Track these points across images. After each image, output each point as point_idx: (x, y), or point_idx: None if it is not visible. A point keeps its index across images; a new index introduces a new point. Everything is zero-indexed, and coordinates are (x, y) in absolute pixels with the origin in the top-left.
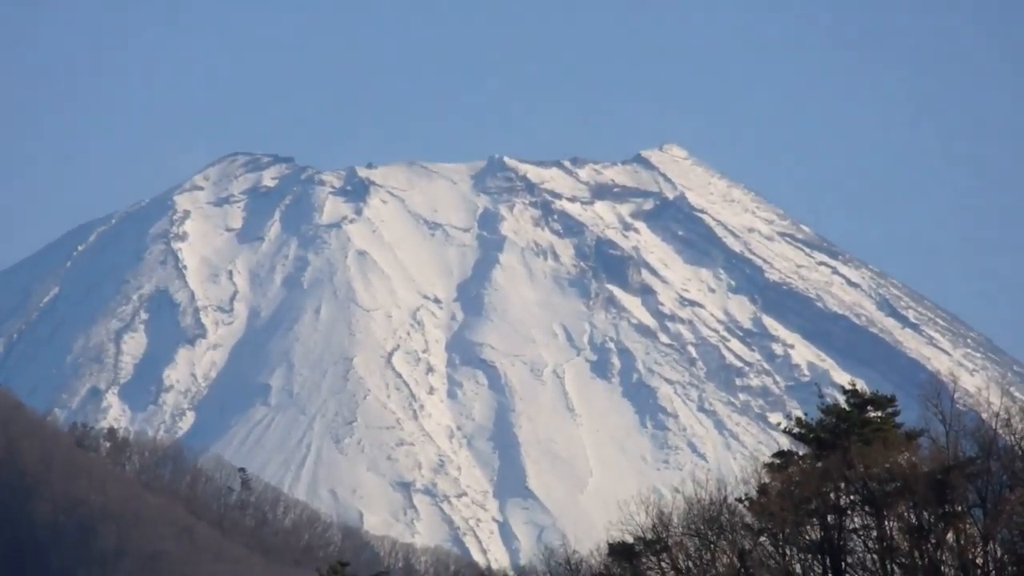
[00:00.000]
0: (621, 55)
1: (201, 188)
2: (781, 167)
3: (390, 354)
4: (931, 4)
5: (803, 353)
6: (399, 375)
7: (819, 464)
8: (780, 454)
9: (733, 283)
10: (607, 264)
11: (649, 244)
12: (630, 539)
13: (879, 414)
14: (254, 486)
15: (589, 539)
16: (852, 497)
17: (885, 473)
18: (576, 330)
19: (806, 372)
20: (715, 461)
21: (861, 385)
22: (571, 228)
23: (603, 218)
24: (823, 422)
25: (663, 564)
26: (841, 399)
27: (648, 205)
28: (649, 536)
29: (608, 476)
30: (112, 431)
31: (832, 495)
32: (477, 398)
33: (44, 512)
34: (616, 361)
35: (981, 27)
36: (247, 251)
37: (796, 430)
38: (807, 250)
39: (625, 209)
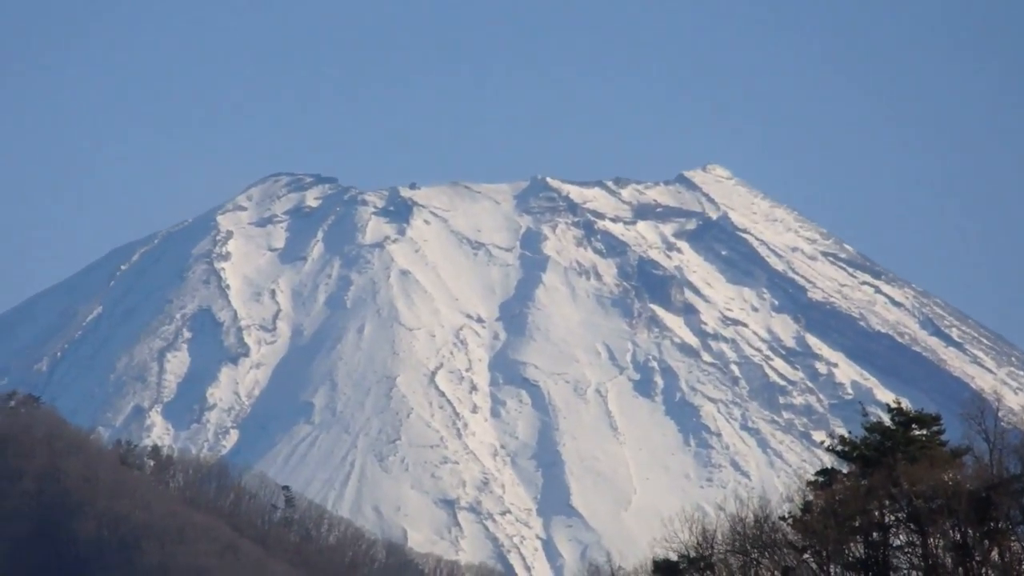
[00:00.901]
0: (664, 75)
1: (244, 208)
2: (824, 187)
3: (433, 373)
4: (988, 24)
5: (846, 372)
6: (442, 394)
7: (863, 482)
8: (824, 472)
9: (776, 302)
10: (650, 284)
11: (692, 264)
12: (674, 556)
13: (924, 432)
14: (298, 503)
15: (633, 557)
16: (896, 515)
17: (929, 491)
18: (619, 349)
19: (849, 391)
20: (758, 479)
21: (905, 404)
22: (614, 248)
23: (646, 238)
24: (867, 440)
25: None
26: (885, 418)
27: (691, 225)
28: (693, 554)
29: (651, 494)
30: (156, 449)
31: (876, 513)
32: (520, 416)
33: (88, 529)
34: (659, 380)
35: None
36: (290, 271)
37: (840, 448)
38: (850, 269)
39: (668, 229)
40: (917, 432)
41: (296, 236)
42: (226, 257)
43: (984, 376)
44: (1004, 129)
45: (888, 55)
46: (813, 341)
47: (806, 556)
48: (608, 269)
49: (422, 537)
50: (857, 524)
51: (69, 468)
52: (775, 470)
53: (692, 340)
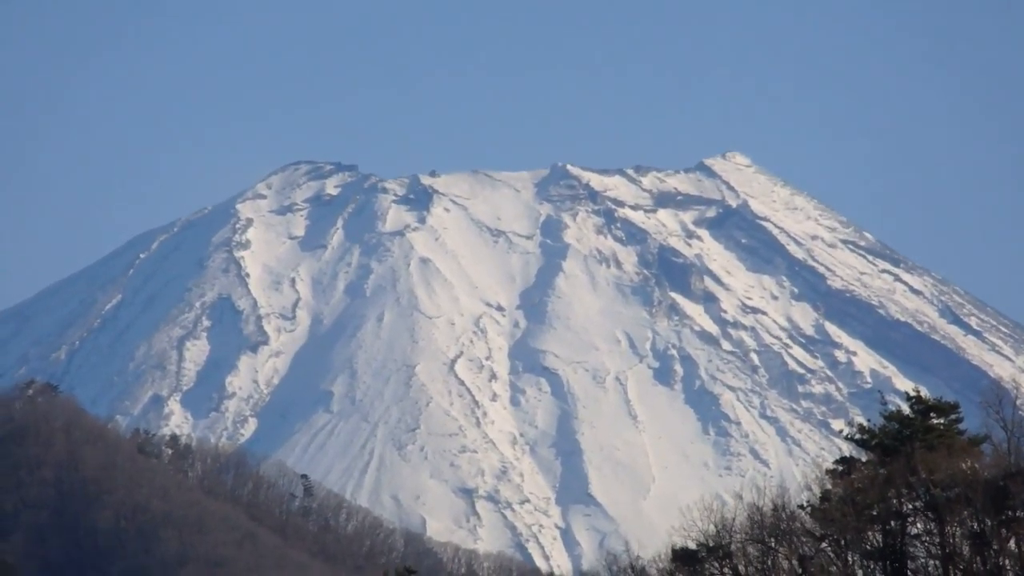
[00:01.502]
0: (684, 63)
1: (264, 196)
2: (844, 175)
3: (453, 361)
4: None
5: (865, 360)
6: (462, 382)
7: (882, 470)
8: (843, 460)
9: (796, 290)
10: (670, 272)
11: (712, 252)
12: (693, 545)
13: (942, 421)
14: (316, 492)
15: (651, 545)
16: (914, 503)
17: (947, 479)
18: (639, 337)
19: (868, 379)
20: (777, 468)
21: (924, 392)
22: (634, 236)
23: (666, 226)
24: (886, 428)
25: (725, 570)
26: (904, 406)
27: (711, 213)
28: (712, 542)
29: (670, 483)
30: (174, 438)
31: (894, 501)
32: (540, 405)
33: (107, 518)
34: (679, 368)
35: None
36: (310, 259)
37: (859, 436)
38: (869, 257)
39: (688, 217)
40: (935, 420)
41: (316, 224)
42: (246, 245)
43: (1003, 364)
44: (1015, 113)
45: (907, 41)
46: (832, 329)
47: (824, 545)
48: (628, 257)
49: (441, 526)
50: (875, 513)
51: (88, 457)
52: (794, 459)
53: (712, 328)
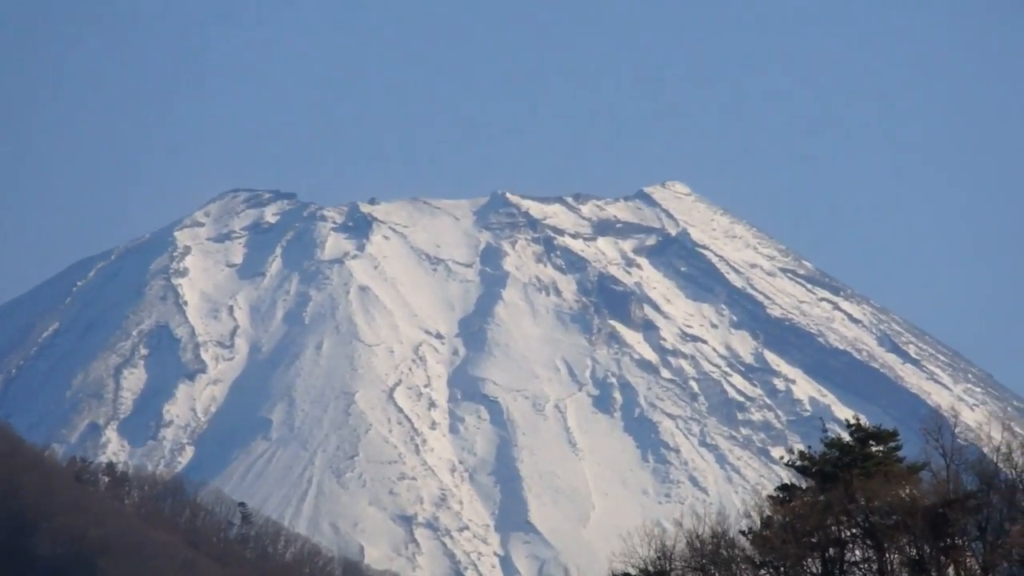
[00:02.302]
0: (624, 91)
1: (202, 224)
2: (783, 203)
3: (392, 389)
4: (942, 41)
5: (805, 388)
6: (401, 410)
7: (821, 497)
8: (784, 487)
9: (735, 318)
10: (609, 300)
11: (651, 280)
12: (633, 571)
13: (881, 448)
14: (255, 520)
15: (591, 572)
16: (853, 530)
17: (886, 506)
18: (578, 365)
19: (808, 407)
20: (716, 495)
21: (863, 420)
22: (573, 264)
23: (605, 254)
24: (826, 455)
25: None
26: (843, 434)
27: (651, 241)
28: (651, 569)
29: (610, 510)
30: (111, 466)
31: (834, 528)
32: (479, 432)
33: (44, 546)
34: (618, 396)
35: (992, 63)
36: (248, 287)
37: (799, 463)
38: (809, 286)
39: (628, 245)
40: (875, 448)
41: (254, 252)
42: (184, 273)
43: (941, 393)
44: (959, 143)
45: (841, 68)
46: (771, 357)
47: (763, 572)
48: (568, 285)
49: (379, 553)
50: (815, 540)
51: (25, 485)
52: (733, 486)
53: (651, 356)
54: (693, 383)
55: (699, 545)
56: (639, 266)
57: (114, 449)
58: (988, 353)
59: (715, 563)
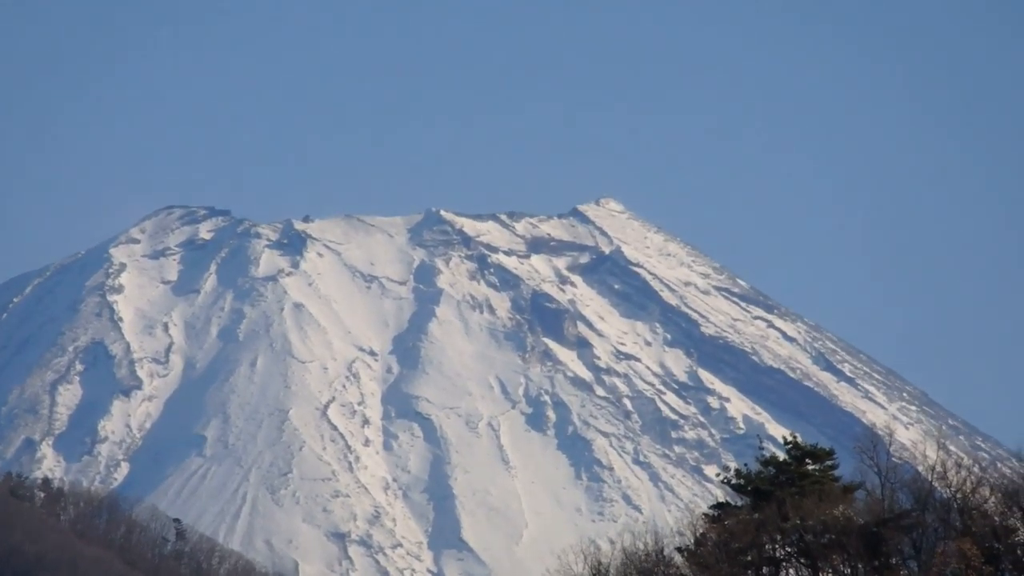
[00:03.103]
0: (558, 109)
1: (137, 241)
2: (717, 221)
3: (326, 406)
4: (872, 49)
5: (739, 406)
6: (335, 427)
7: (756, 515)
8: (718, 505)
9: (669, 336)
10: (543, 317)
11: (585, 297)
12: None
13: (817, 467)
14: (189, 536)
15: None
16: (788, 549)
17: (820, 525)
18: (512, 383)
19: (741, 425)
20: (650, 513)
21: (799, 438)
22: (507, 281)
23: (539, 271)
24: (762, 473)
25: None
26: (778, 452)
27: (584, 259)
28: None
29: (543, 527)
30: (47, 481)
31: (768, 547)
32: (412, 450)
33: None
34: (551, 414)
35: (916, 71)
36: (183, 304)
37: (735, 481)
38: (743, 304)
39: (561, 263)
40: (811, 466)
41: (189, 269)
42: (119, 290)
43: (876, 411)
44: (893, 161)
45: (774, 86)
46: (705, 375)
47: None
48: (501, 303)
49: (313, 570)
50: (749, 558)
51: None
52: (666, 504)
53: (585, 374)
54: (627, 401)
55: (635, 562)
56: (573, 284)
57: (50, 465)
58: (923, 371)
59: None
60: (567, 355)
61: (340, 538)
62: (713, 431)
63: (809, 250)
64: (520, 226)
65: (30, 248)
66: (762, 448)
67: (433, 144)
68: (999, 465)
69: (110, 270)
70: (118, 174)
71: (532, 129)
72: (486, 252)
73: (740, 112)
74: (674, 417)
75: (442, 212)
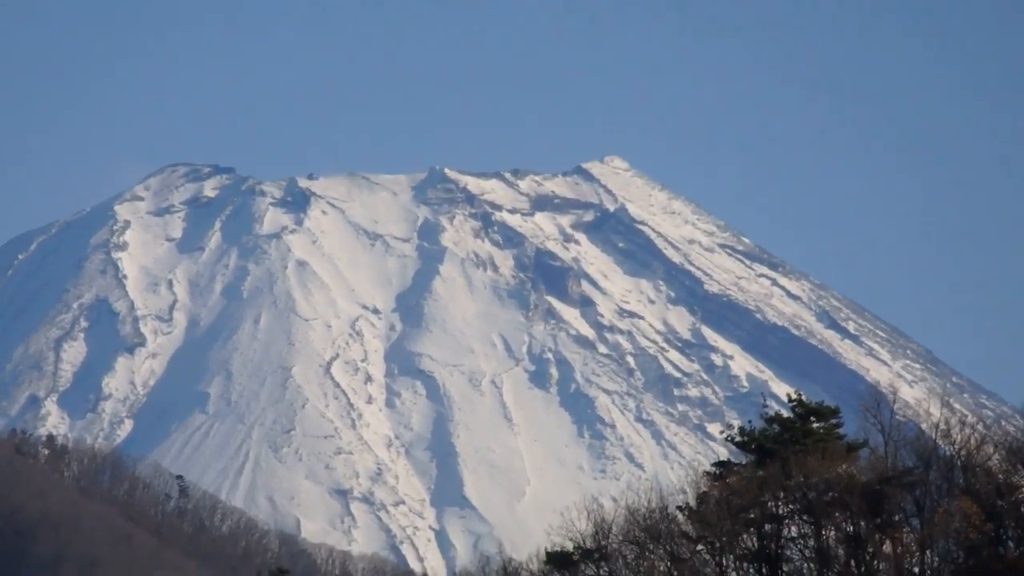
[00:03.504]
0: (562, 67)
1: (141, 198)
2: (722, 179)
3: (329, 363)
4: (884, 18)
5: (742, 364)
6: (337, 384)
7: (760, 473)
8: (720, 464)
9: (673, 294)
10: (547, 275)
11: (589, 255)
12: (570, 545)
13: (822, 425)
14: (192, 493)
15: (526, 547)
16: (790, 506)
17: (823, 483)
18: (515, 340)
19: (745, 383)
20: (652, 471)
21: (803, 396)
22: (511, 239)
23: (543, 229)
24: (766, 431)
25: (601, 572)
26: (782, 410)
27: (588, 217)
28: (589, 543)
29: (545, 485)
30: (51, 438)
31: (771, 504)
32: (415, 408)
33: None
34: (554, 371)
35: (913, 33)
36: (187, 261)
37: (739, 439)
38: (747, 262)
39: (565, 221)
40: (815, 424)
41: (193, 226)
42: (123, 247)
43: (879, 369)
44: (898, 117)
45: (779, 43)
46: (709, 333)
47: (699, 547)
48: (505, 261)
49: (315, 527)
50: (751, 516)
51: None
52: (669, 462)
53: (588, 332)
54: (630, 359)
55: (638, 520)
56: (577, 242)
57: (54, 422)
58: (927, 329)
59: (653, 538)
60: (570, 313)
61: (343, 495)
62: (716, 389)
63: (814, 208)
64: (524, 184)
65: (35, 206)
66: (766, 406)
67: (438, 102)
68: (1003, 423)
69: (115, 227)
70: (123, 132)
71: (537, 87)
72: (490, 210)
73: (746, 71)
74: (677, 375)
75: (446, 170)
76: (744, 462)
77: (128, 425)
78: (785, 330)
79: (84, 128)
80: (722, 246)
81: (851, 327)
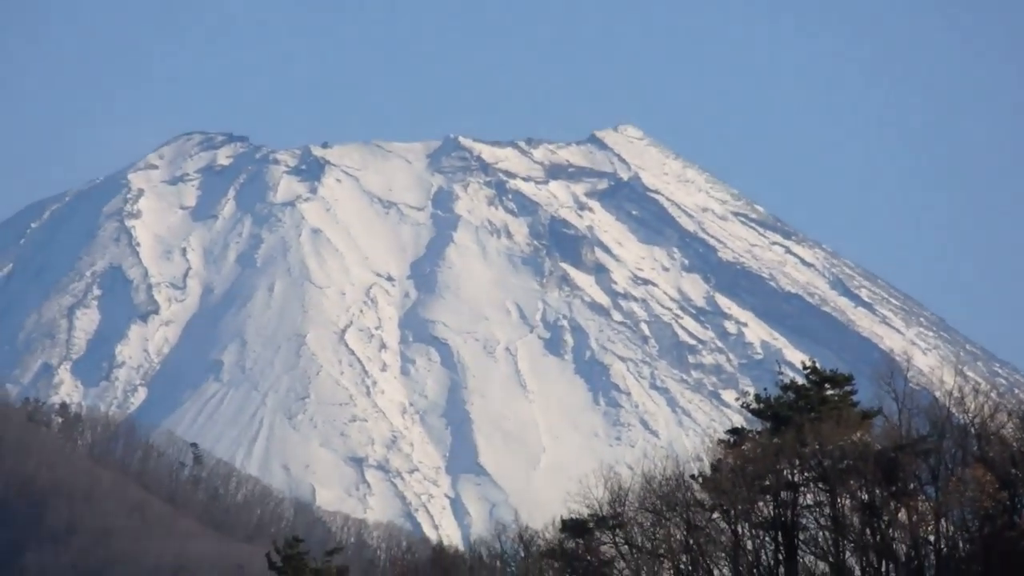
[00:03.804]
0: (577, 36)
1: (155, 167)
2: (735, 147)
3: (343, 331)
4: None
5: (756, 331)
6: (352, 352)
7: (775, 440)
8: (734, 431)
9: (687, 262)
10: (561, 243)
11: (603, 223)
12: (586, 512)
13: (837, 392)
14: (206, 461)
15: (541, 515)
16: (806, 474)
17: (838, 451)
18: (529, 308)
19: (759, 350)
20: (667, 438)
21: (818, 363)
22: (525, 207)
23: (557, 197)
24: (782, 399)
25: (617, 539)
26: (796, 378)
27: (602, 185)
28: (605, 510)
29: (560, 453)
30: (64, 406)
31: (786, 472)
32: (430, 375)
33: None
34: (569, 339)
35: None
36: (201, 229)
37: (754, 406)
38: (761, 230)
39: (580, 189)
40: (830, 392)
41: (207, 194)
42: (137, 215)
43: (893, 336)
44: (911, 86)
45: (795, 15)
46: (723, 301)
47: (715, 515)
48: (519, 228)
49: (330, 495)
50: (767, 483)
51: None
52: (684, 429)
53: (602, 299)
54: (644, 326)
55: (655, 487)
56: (591, 209)
57: (67, 390)
58: (941, 297)
59: (670, 505)
60: (585, 280)
61: (357, 463)
62: (731, 356)
63: (828, 176)
64: (538, 152)
65: (48, 175)
66: (781, 374)
67: (452, 70)
68: (1016, 391)
69: (128, 196)
70: (137, 101)
71: (552, 55)
72: (504, 178)
73: (760, 39)
74: (691, 342)
75: (460, 139)
76: (759, 429)
77: (142, 393)
78: (799, 298)
79: (98, 97)
80: (736, 214)
81: (865, 295)
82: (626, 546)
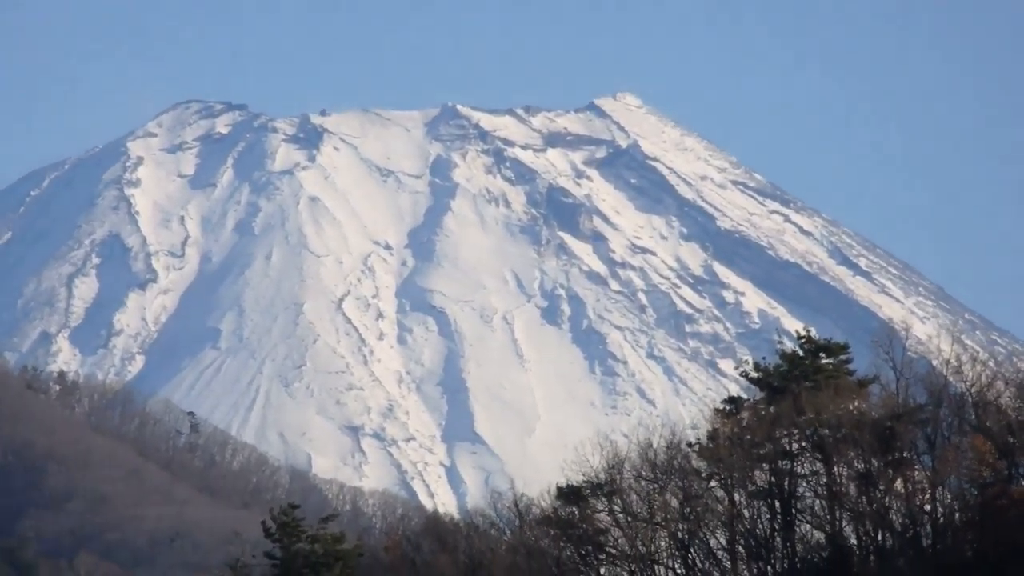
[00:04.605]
0: (575, 3)
1: (154, 135)
2: (734, 116)
3: (340, 300)
4: None
5: (754, 300)
6: (349, 320)
7: (772, 409)
8: (730, 400)
9: (685, 231)
10: (559, 211)
11: (601, 192)
12: (582, 479)
13: (832, 361)
14: (203, 429)
15: (537, 483)
16: (802, 443)
17: (834, 420)
18: (526, 277)
19: (757, 319)
20: (664, 407)
21: (813, 332)
22: (523, 175)
23: (555, 166)
24: (780, 367)
25: (614, 507)
26: (795, 347)
27: (601, 153)
28: (602, 478)
29: (556, 421)
30: (62, 374)
31: (783, 441)
32: (427, 343)
33: None
34: (566, 307)
35: None
36: (199, 197)
37: (753, 374)
38: (759, 198)
39: (578, 157)
40: (825, 361)
41: (206, 162)
42: (136, 183)
43: (892, 305)
44: (909, 56)
45: None
46: (721, 270)
47: (711, 484)
48: (517, 197)
49: (327, 463)
50: (763, 452)
51: None
52: (680, 398)
53: (600, 268)
54: (642, 295)
55: (651, 456)
56: (589, 178)
57: (65, 358)
58: (939, 266)
59: (667, 474)
60: (582, 249)
61: (354, 431)
62: (728, 325)
63: (826, 144)
64: (537, 120)
65: (47, 143)
66: (780, 343)
67: (450, 38)
68: (1015, 360)
69: (127, 164)
70: (136, 69)
71: (550, 22)
72: (502, 146)
73: (758, 6)
74: (689, 311)
75: (459, 106)
76: (755, 398)
77: (139, 361)
78: (797, 266)
79: (96, 64)
80: (734, 182)
81: (863, 263)
82: (622, 514)
